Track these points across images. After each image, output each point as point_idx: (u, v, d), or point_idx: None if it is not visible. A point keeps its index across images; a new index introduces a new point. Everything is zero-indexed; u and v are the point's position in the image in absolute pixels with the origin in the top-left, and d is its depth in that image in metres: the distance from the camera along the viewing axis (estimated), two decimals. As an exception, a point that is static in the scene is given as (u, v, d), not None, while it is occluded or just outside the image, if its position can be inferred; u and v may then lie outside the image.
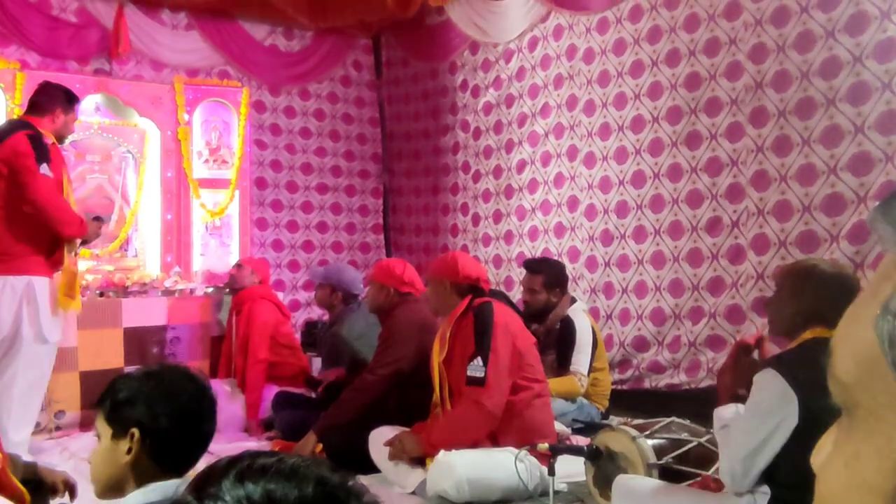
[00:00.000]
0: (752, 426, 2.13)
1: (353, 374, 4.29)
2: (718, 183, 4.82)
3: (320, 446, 3.73)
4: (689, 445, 2.82)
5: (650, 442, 2.81)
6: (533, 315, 4.40)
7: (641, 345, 5.25)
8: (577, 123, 5.70)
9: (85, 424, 4.83)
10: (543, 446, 2.72)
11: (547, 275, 4.42)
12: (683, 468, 2.76)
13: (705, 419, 2.99)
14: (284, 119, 7.27)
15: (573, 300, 4.48)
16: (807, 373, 2.09)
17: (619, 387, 5.16)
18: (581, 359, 4.24)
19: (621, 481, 2.64)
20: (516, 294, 5.99)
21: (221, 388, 4.89)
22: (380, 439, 3.45)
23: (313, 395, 4.76)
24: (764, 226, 4.56)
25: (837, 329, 0.49)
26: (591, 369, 4.29)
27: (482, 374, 3.01)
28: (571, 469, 3.09)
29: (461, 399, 3.08)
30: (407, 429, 3.44)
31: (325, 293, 4.82)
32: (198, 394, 1.60)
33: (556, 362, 4.28)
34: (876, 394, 0.44)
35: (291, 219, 7.30)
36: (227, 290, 5.49)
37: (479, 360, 3.04)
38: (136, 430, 1.55)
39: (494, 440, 3.10)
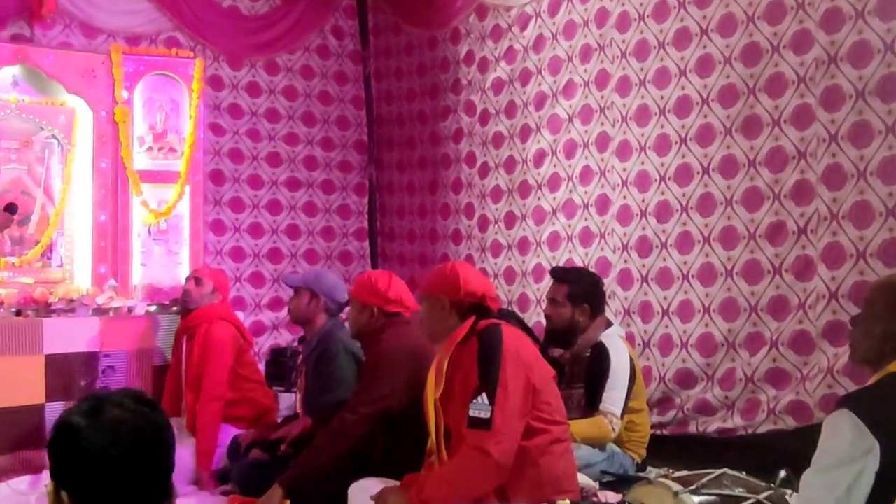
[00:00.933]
0: (831, 479, 2.14)
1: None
2: (782, 180, 4.83)
3: (288, 503, 3.71)
4: (746, 503, 2.81)
5: (696, 499, 2.80)
6: (556, 335, 4.40)
7: (686, 380, 5.25)
8: (608, 105, 5.72)
9: (-2, 474, 4.83)
10: (565, 503, 2.72)
11: (574, 285, 4.42)
12: (738, 532, 2.75)
13: (765, 472, 2.98)
14: (247, 98, 7.29)
15: (609, 323, 4.48)
16: (889, 413, 2.10)
17: (659, 431, 5.16)
18: (614, 396, 4.22)
19: (661, 548, 2.63)
20: (532, 317, 6.00)
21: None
22: (362, 494, 3.45)
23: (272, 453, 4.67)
24: (838, 233, 4.56)
25: None
26: (626, 409, 4.28)
27: (487, 415, 2.99)
28: (599, 532, 3.08)
29: (461, 445, 3.07)
30: (395, 482, 3.43)
31: (303, 302, 4.67)
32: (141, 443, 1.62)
33: (585, 398, 4.28)
34: None
35: (255, 221, 7.32)
36: (178, 309, 5.48)
37: (483, 398, 3.01)
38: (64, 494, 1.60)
39: (503, 496, 3.09)
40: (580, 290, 4.43)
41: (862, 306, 2.44)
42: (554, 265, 5.88)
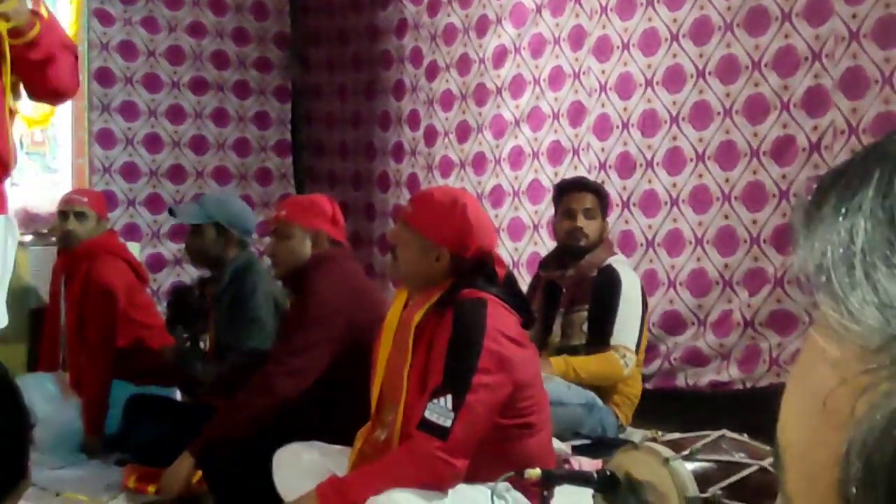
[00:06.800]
0: None
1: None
2: (792, 86, 4.85)
3: (199, 474, 3.72)
4: (747, 471, 2.86)
5: (690, 466, 2.84)
6: (573, 253, 4.44)
7: (674, 324, 5.31)
8: (584, -7, 5.68)
9: None
10: (535, 472, 2.74)
11: (602, 196, 4.56)
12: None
13: (768, 434, 3.04)
14: (140, -22, 7.14)
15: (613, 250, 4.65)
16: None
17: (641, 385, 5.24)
18: (626, 328, 4.30)
19: (648, 523, 2.67)
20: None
21: (44, 388, 4.86)
22: (289, 461, 3.45)
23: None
24: (858, 148, 4.59)
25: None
26: (640, 344, 4.40)
27: (447, 424, 2.90)
28: (574, 506, 3.12)
29: (407, 443, 3.02)
30: (330, 446, 3.44)
31: (209, 238, 4.54)
32: None
33: (591, 328, 4.34)
34: None
35: (152, 132, 7.23)
36: (56, 241, 5.37)
37: (447, 402, 2.92)
38: None
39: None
40: (607, 201, 4.64)
41: None
42: (514, 189, 5.91)
